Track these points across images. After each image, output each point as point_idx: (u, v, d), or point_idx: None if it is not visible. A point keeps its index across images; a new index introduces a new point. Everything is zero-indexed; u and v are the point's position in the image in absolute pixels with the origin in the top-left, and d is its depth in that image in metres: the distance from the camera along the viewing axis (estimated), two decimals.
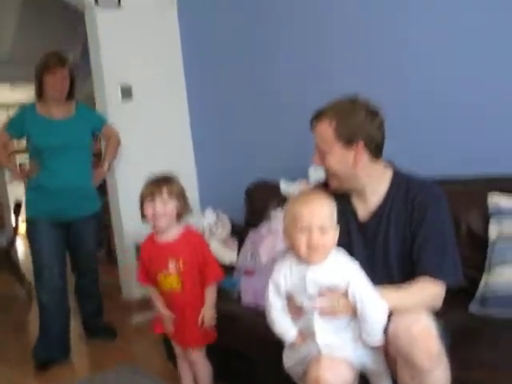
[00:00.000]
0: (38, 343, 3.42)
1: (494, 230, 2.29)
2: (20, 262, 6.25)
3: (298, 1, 3.44)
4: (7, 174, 7.91)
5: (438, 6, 2.72)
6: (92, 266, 3.75)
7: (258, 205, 3.30)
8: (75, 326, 4.32)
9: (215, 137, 4.27)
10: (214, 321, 2.44)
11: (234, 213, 3.52)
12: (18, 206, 5.59)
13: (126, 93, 4.17)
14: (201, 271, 2.42)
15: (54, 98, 3.41)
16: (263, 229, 2.97)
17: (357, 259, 1.75)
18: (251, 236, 3.04)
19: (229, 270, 2.99)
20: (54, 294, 3.41)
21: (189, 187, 4.10)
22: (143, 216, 2.41)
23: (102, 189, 4.15)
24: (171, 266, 2.40)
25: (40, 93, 3.42)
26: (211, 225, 3.32)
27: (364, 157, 1.86)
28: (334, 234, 1.72)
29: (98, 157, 4.12)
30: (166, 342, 2.88)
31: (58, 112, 3.45)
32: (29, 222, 3.44)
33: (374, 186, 1.93)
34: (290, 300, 1.79)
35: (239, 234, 3.29)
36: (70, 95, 3.49)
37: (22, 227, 3.98)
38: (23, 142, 3.92)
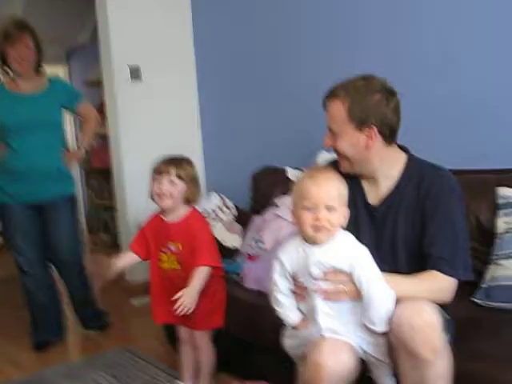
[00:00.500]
0: (30, 326, 3.36)
1: (501, 223, 2.27)
2: None
3: None
4: None
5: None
6: (70, 258, 3.37)
7: (263, 191, 3.27)
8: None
9: (223, 121, 4.23)
10: (191, 306, 2.25)
11: (239, 199, 3.49)
12: None
13: (135, 74, 4.12)
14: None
15: (19, 72, 3.13)
16: (268, 215, 2.94)
17: (363, 243, 1.71)
18: (256, 221, 3.01)
19: (232, 254, 2.98)
20: (36, 281, 3.29)
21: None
22: (151, 195, 2.37)
23: None
24: (171, 247, 2.37)
25: (5, 67, 3.15)
26: (216, 208, 3.29)
27: (377, 141, 1.81)
28: (341, 214, 1.68)
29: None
30: (166, 325, 2.86)
31: (27, 87, 3.16)
32: None
33: (386, 170, 1.87)
34: (294, 281, 1.76)
35: (244, 219, 3.26)
36: (40, 67, 3.21)
37: None
38: None
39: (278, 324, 1.86)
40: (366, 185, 1.93)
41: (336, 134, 1.84)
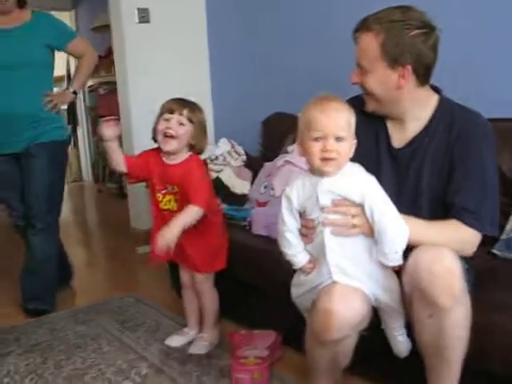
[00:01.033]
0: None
1: None
2: None
3: None
4: None
5: None
6: (44, 216, 2.89)
7: (274, 137, 3.20)
8: (76, 253, 4.36)
9: (233, 66, 4.11)
10: (170, 241, 2.14)
11: (249, 145, 3.41)
12: None
13: (144, 16, 4.00)
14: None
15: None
16: (279, 161, 2.86)
17: (384, 187, 1.59)
18: (266, 168, 2.94)
19: (240, 200, 2.93)
20: (25, 239, 2.99)
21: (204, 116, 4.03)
22: (154, 135, 2.28)
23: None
24: (169, 187, 2.31)
25: None
26: (225, 154, 3.21)
27: (410, 80, 1.68)
28: (350, 144, 1.58)
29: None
30: (172, 271, 2.83)
31: (3, 21, 2.78)
32: None
33: (415, 112, 1.75)
34: (302, 218, 1.67)
35: (254, 165, 3.20)
36: (21, 2, 2.82)
37: None
38: None
39: (286, 270, 1.79)
40: (391, 126, 1.82)
41: (365, 70, 1.71)
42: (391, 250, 1.56)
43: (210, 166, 3.10)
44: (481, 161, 1.69)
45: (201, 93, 4.23)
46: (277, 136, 3.18)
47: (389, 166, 1.81)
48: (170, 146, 2.24)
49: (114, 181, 6.19)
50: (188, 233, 2.23)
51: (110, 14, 4.16)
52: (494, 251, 2.09)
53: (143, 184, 2.48)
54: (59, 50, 2.96)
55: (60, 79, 8.53)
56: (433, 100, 1.77)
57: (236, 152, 3.26)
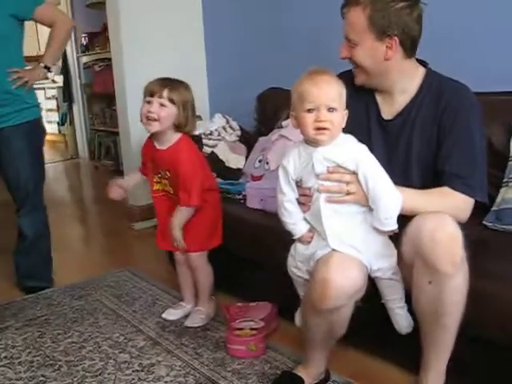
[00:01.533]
0: None
1: None
2: None
3: None
4: None
5: None
6: (29, 198, 2.82)
7: (269, 112, 3.19)
8: (73, 229, 4.37)
9: (228, 41, 4.08)
10: (179, 241, 2.33)
11: (244, 120, 3.40)
12: None
13: None
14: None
15: None
16: (273, 136, 2.86)
17: (375, 157, 1.63)
18: (260, 142, 2.94)
19: (235, 174, 2.93)
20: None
21: (198, 91, 3.99)
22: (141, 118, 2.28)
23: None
24: (162, 173, 2.33)
25: None
26: (220, 128, 3.20)
27: (397, 52, 1.73)
28: (341, 114, 1.62)
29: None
30: None
31: None
32: None
33: (403, 84, 1.81)
34: (299, 187, 1.70)
35: (248, 140, 3.19)
36: None
37: None
38: None
39: (282, 243, 1.81)
40: (380, 99, 1.88)
41: (354, 43, 1.76)
42: (386, 214, 1.59)
43: (205, 140, 3.10)
44: (468, 129, 1.73)
45: (196, 68, 4.22)
46: (271, 111, 3.18)
47: (379, 137, 1.86)
48: (152, 127, 2.24)
49: (110, 158, 6.18)
50: None
51: None
52: (485, 223, 2.10)
53: None
54: (26, 18, 2.69)
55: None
56: (419, 72, 1.83)
57: (231, 127, 3.26)
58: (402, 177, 1.73)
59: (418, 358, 1.70)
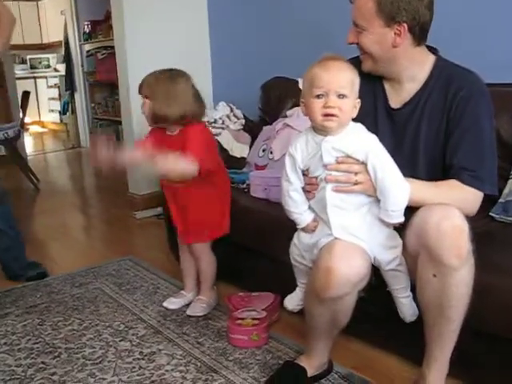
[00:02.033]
0: None
1: None
2: (28, 158, 6.21)
3: None
4: (16, 68, 7.75)
5: None
6: None
7: (273, 101, 3.16)
8: (75, 218, 4.35)
9: (233, 31, 4.05)
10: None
11: (248, 110, 3.37)
12: (24, 98, 5.48)
13: None
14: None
15: None
16: (278, 125, 2.84)
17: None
18: (265, 131, 2.92)
19: (239, 163, 2.91)
20: None
21: (203, 80, 3.97)
22: None
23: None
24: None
25: None
26: (224, 117, 3.18)
27: (406, 39, 1.69)
28: (352, 102, 1.58)
29: None
30: (170, 235, 2.83)
31: None
32: None
33: (412, 71, 1.77)
34: (305, 176, 1.67)
35: (253, 129, 3.17)
36: None
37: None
38: None
39: (285, 232, 1.79)
40: (388, 87, 1.84)
41: (362, 29, 1.72)
42: (393, 206, 1.57)
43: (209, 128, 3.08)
44: (477, 121, 1.70)
45: (200, 57, 4.20)
46: (276, 100, 3.15)
47: (386, 126, 1.83)
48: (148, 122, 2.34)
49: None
50: (186, 206, 2.32)
51: None
52: (492, 214, 2.08)
53: None
54: None
55: (57, 45, 8.47)
56: (429, 60, 1.79)
57: (235, 116, 3.23)
58: (408, 167, 1.69)
59: (422, 349, 1.68)
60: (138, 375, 2.00)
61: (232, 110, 3.26)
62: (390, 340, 2.01)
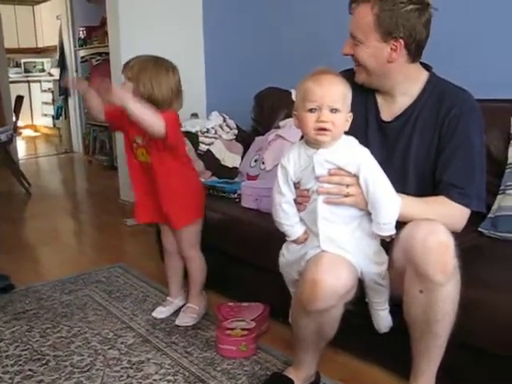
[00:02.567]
0: None
1: None
2: (20, 162, 6.20)
3: None
4: (10, 72, 7.75)
5: None
6: None
7: (266, 112, 3.18)
8: (65, 223, 4.34)
9: (227, 41, 4.09)
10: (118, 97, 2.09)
11: (241, 120, 3.38)
12: (18, 102, 5.47)
13: None
14: (166, 146, 2.23)
15: None
16: (270, 135, 2.85)
17: None
18: (257, 142, 2.94)
19: (231, 173, 2.92)
20: None
21: (196, 89, 3.99)
22: None
23: None
24: (138, 140, 2.29)
25: None
26: (216, 127, 3.19)
27: (401, 55, 1.71)
28: (345, 116, 1.60)
29: None
30: (159, 241, 2.82)
31: None
32: None
33: (405, 86, 1.79)
34: (297, 188, 1.67)
35: (245, 139, 3.19)
36: None
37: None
38: None
39: (274, 243, 1.80)
40: (380, 99, 1.86)
41: (358, 41, 1.74)
42: (385, 219, 1.58)
43: (201, 138, 3.09)
44: (469, 138, 1.72)
45: (194, 66, 4.22)
46: (269, 110, 3.17)
47: (377, 138, 1.84)
48: None
49: (104, 153, 6.15)
50: (162, 187, 2.29)
51: None
52: (481, 229, 2.09)
53: None
54: None
55: (52, 50, 8.47)
56: (423, 76, 1.81)
57: (228, 125, 3.24)
58: (398, 180, 1.70)
59: (409, 362, 1.69)
60: None
61: (225, 120, 3.27)
62: (378, 353, 2.02)
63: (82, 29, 6.58)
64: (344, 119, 1.60)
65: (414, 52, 1.73)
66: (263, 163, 2.73)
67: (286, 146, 2.65)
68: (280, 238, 1.76)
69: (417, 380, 1.68)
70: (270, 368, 2.05)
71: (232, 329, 2.18)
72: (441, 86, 1.79)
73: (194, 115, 3.88)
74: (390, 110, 1.84)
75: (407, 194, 1.69)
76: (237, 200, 2.64)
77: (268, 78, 3.48)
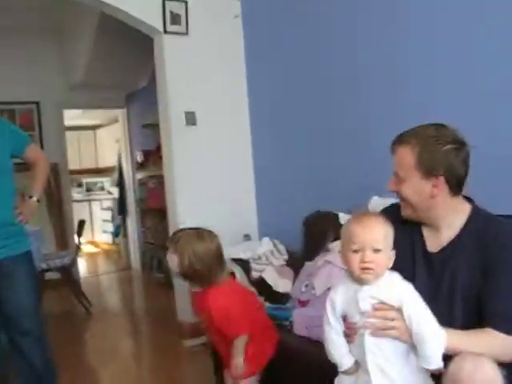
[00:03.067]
0: None
1: None
2: (81, 280, 6.42)
3: (367, 19, 3.37)
4: (73, 191, 8.17)
5: None
6: (30, 325, 2.74)
7: (315, 236, 3.26)
8: (124, 344, 4.40)
9: (276, 166, 4.27)
10: (239, 370, 2.39)
11: (291, 243, 3.51)
12: (80, 226, 5.76)
13: (190, 119, 4.22)
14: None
15: None
16: (320, 260, 2.94)
17: (419, 291, 1.68)
18: (307, 267, 3.01)
19: (282, 299, 2.99)
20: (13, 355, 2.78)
21: (248, 214, 4.13)
22: None
23: None
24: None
25: None
26: (268, 253, 3.31)
27: (443, 190, 1.81)
28: (387, 255, 1.69)
29: None
30: (216, 370, 2.87)
31: None
32: None
33: (449, 219, 1.86)
34: (344, 321, 1.75)
35: (295, 263, 3.27)
36: None
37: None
38: None
39: (328, 372, 1.84)
40: (426, 232, 1.93)
41: (401, 179, 1.85)
42: (430, 353, 1.61)
43: (253, 265, 3.21)
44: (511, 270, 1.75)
45: (245, 193, 4.38)
46: (318, 234, 3.24)
47: (424, 270, 1.89)
48: None
49: (161, 270, 6.33)
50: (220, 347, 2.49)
51: (159, 115, 4.42)
52: None
53: None
54: (18, 156, 2.85)
55: (111, 170, 8.93)
56: (465, 209, 1.87)
57: (278, 251, 3.36)
58: (445, 313, 1.75)
59: None
60: None
61: (275, 246, 3.40)
62: None
63: (139, 152, 6.95)
64: (387, 258, 1.69)
65: (455, 187, 1.81)
66: (313, 288, 2.80)
67: (334, 272, 2.73)
68: (331, 367, 1.80)
69: None
70: None
71: None
72: (484, 217, 1.85)
73: (246, 236, 4.02)
74: (435, 241, 1.89)
75: (454, 322, 1.72)
76: (289, 327, 2.70)
77: (318, 199, 3.61)
